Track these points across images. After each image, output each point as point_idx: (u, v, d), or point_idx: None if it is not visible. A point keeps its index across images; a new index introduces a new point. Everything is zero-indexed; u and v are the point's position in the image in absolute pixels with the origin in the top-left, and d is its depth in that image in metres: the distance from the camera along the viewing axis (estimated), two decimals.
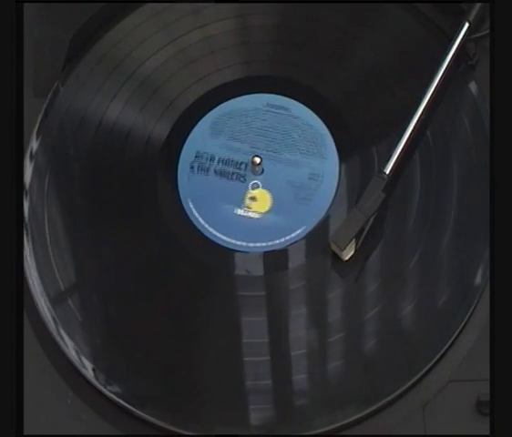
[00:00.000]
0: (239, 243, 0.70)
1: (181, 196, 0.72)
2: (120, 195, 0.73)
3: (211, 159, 0.73)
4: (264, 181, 0.73)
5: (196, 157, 0.74)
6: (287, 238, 0.70)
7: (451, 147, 0.72)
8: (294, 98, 0.75)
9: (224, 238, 0.70)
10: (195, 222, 0.71)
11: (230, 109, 0.76)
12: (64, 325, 0.67)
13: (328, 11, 0.78)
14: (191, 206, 0.72)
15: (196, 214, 0.71)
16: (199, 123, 0.75)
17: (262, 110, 0.75)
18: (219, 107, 0.76)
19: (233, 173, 0.73)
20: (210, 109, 0.76)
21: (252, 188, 0.72)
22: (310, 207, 0.71)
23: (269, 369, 0.65)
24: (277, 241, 0.70)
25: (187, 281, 0.69)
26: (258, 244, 0.70)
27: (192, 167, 0.73)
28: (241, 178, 0.73)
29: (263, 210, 0.72)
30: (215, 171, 0.73)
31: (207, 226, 0.71)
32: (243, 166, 0.73)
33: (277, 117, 0.75)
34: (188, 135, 0.75)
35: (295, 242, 0.70)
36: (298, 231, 0.70)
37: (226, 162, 0.73)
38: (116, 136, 0.75)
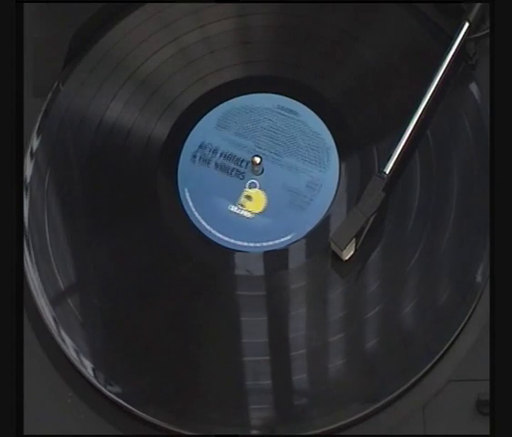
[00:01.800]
0: (239, 243, 0.70)
1: (181, 193, 0.72)
2: (120, 195, 0.73)
3: (214, 152, 0.73)
4: (262, 182, 0.73)
5: (200, 147, 0.74)
6: (276, 241, 0.70)
7: (451, 147, 0.72)
8: (294, 98, 0.75)
9: (224, 237, 0.70)
10: (195, 222, 0.71)
11: (240, 105, 0.76)
12: (64, 325, 0.67)
13: (328, 11, 0.78)
14: (190, 204, 0.72)
15: (196, 214, 0.71)
16: (208, 115, 0.75)
17: (272, 111, 0.75)
18: (229, 102, 0.76)
19: (233, 169, 0.73)
20: (210, 109, 0.76)
21: (249, 187, 0.72)
22: (302, 215, 0.71)
23: (269, 369, 0.65)
24: (276, 241, 0.70)
25: (187, 281, 0.69)
26: (258, 244, 0.70)
27: (194, 157, 0.73)
28: (240, 176, 0.73)
29: (256, 211, 0.72)
30: (216, 164, 0.73)
31: (207, 226, 0.71)
32: (244, 163, 0.73)
33: (285, 121, 0.75)
34: (188, 135, 0.75)
35: (295, 242, 0.70)
36: (287, 237, 0.70)
37: (228, 157, 0.73)
38: (116, 135, 0.75)
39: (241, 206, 0.72)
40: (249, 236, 0.70)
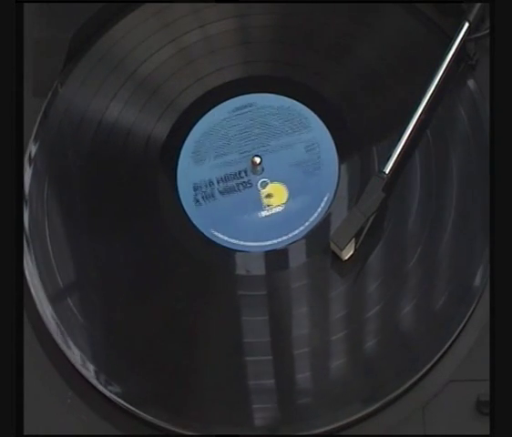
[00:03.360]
0: (239, 243, 0.70)
1: (181, 196, 0.72)
2: (120, 195, 0.73)
3: (211, 184, 0.73)
4: (270, 175, 0.73)
5: (195, 189, 0.73)
6: (315, 215, 0.70)
7: (451, 146, 0.72)
8: (294, 98, 0.75)
9: (224, 237, 0.70)
10: (195, 222, 0.71)
11: (202, 132, 0.75)
12: (64, 325, 0.67)
13: (328, 11, 0.78)
14: (216, 232, 0.71)
15: (196, 214, 0.71)
16: (180, 158, 0.74)
17: (231, 117, 0.75)
18: (190, 135, 0.75)
19: (238, 184, 0.73)
20: (210, 109, 0.76)
21: (263, 187, 0.72)
22: (322, 174, 0.72)
23: (269, 368, 0.65)
24: (279, 240, 0.70)
25: (187, 281, 0.69)
26: (258, 244, 0.70)
27: (197, 200, 0.72)
28: (248, 184, 0.73)
29: (284, 200, 0.72)
30: (220, 192, 0.73)
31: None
32: (243, 173, 0.73)
33: (247, 116, 0.75)
34: (187, 135, 0.75)
35: (295, 242, 0.70)
36: (325, 199, 0.71)
37: (226, 178, 0.73)
38: (115, 135, 0.75)
39: (269, 206, 0.71)
40: (255, 234, 0.71)
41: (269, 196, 0.72)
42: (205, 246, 0.70)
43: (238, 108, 0.76)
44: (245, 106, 0.76)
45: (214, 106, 0.76)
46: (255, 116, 0.75)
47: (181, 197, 0.72)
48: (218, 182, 0.73)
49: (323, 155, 0.73)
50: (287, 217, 0.71)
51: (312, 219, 0.71)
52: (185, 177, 0.73)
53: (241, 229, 0.71)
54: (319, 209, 0.71)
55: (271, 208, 0.71)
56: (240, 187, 0.73)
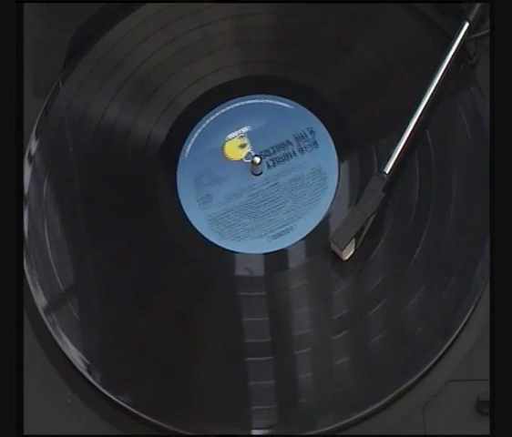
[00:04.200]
0: (239, 243, 0.70)
1: (180, 196, 0.72)
2: (119, 195, 0.73)
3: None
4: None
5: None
6: (315, 215, 0.70)
7: (451, 146, 0.72)
8: (294, 99, 0.75)
9: (224, 238, 0.70)
10: (194, 223, 0.71)
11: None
12: (64, 325, 0.67)
13: (328, 11, 0.78)
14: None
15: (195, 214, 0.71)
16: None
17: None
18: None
19: None
20: (210, 109, 0.76)
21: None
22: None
23: (269, 369, 0.65)
24: (279, 240, 0.70)
25: (187, 282, 0.69)
26: (258, 244, 0.70)
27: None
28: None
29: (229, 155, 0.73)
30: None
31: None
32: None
33: None
34: (187, 135, 0.75)
35: (295, 242, 0.70)
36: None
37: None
38: (115, 135, 0.75)
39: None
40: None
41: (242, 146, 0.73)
42: (204, 246, 0.70)
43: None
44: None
45: (214, 106, 0.76)
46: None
47: (181, 197, 0.72)
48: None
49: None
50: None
51: (311, 219, 0.71)
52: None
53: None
54: (319, 209, 0.71)
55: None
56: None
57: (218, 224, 0.71)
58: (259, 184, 0.72)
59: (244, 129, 0.74)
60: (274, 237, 0.70)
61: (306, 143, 0.74)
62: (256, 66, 0.78)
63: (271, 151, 0.74)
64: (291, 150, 0.74)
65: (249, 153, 0.73)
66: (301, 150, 0.74)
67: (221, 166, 0.74)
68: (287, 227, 0.70)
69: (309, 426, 0.63)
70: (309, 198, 0.71)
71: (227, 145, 0.74)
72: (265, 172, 0.73)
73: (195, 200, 0.72)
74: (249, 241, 0.70)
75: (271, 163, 0.73)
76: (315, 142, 0.74)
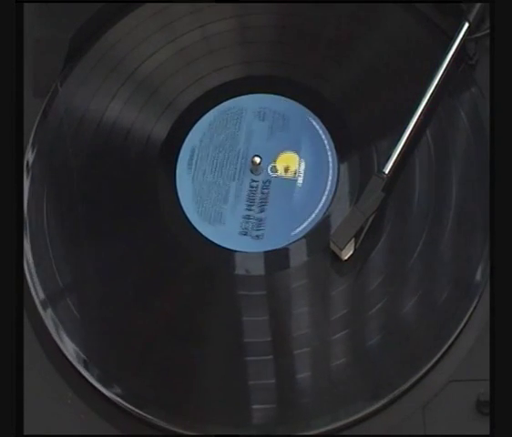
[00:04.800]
0: (239, 243, 0.70)
1: (180, 196, 0.72)
2: (119, 195, 0.73)
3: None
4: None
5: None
6: (315, 215, 0.71)
7: (450, 146, 0.72)
8: (294, 98, 0.75)
9: (224, 237, 0.70)
10: (194, 222, 0.71)
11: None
12: (64, 325, 0.67)
13: (328, 11, 0.78)
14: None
15: (195, 214, 0.71)
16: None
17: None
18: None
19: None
20: (210, 109, 0.76)
21: (275, 171, 0.73)
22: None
23: (269, 368, 0.65)
24: (279, 240, 0.70)
25: (187, 281, 0.69)
26: (258, 244, 0.70)
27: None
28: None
29: (297, 165, 0.73)
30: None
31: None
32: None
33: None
34: (187, 135, 0.75)
35: (295, 241, 0.70)
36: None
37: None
38: (115, 136, 0.75)
39: (292, 175, 0.72)
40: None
41: (287, 169, 0.72)
42: (205, 246, 0.70)
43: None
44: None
45: (214, 106, 0.76)
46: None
47: (181, 197, 0.72)
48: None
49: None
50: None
51: (311, 219, 0.71)
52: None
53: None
54: (318, 209, 0.71)
55: (295, 176, 0.72)
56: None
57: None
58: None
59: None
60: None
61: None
62: (256, 65, 0.78)
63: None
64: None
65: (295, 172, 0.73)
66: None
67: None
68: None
69: (309, 426, 0.63)
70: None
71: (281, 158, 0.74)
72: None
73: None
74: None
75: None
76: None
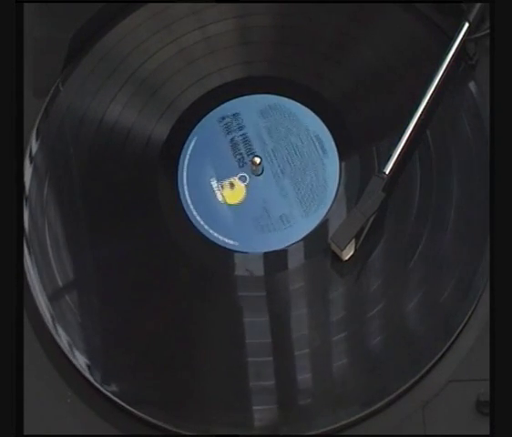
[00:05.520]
0: (239, 243, 0.70)
1: (181, 196, 0.72)
2: (120, 195, 0.73)
3: (240, 128, 0.74)
4: (252, 183, 0.72)
5: (233, 116, 0.75)
6: (315, 215, 0.70)
7: (451, 146, 0.72)
8: (294, 98, 0.75)
9: (224, 238, 0.70)
10: (195, 223, 0.71)
11: (287, 108, 0.75)
12: (64, 325, 0.67)
13: (328, 11, 0.78)
14: (191, 205, 0.72)
15: (196, 214, 0.71)
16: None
17: (309, 135, 0.74)
18: (281, 98, 0.75)
19: (240, 154, 0.73)
20: (211, 110, 0.76)
21: (239, 178, 0.72)
22: (257, 235, 0.70)
23: (269, 369, 0.65)
24: (279, 240, 0.70)
25: (187, 281, 0.69)
26: (258, 244, 0.70)
27: (223, 119, 0.74)
28: (241, 163, 0.73)
29: (228, 201, 0.72)
30: (232, 140, 0.73)
31: (207, 227, 0.71)
32: (251, 156, 0.73)
33: (311, 151, 0.73)
34: (188, 135, 0.75)
35: (295, 242, 0.70)
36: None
37: (245, 141, 0.74)
38: (116, 136, 0.75)
39: (221, 187, 0.72)
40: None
41: (231, 185, 0.72)
42: (205, 246, 0.70)
43: (319, 139, 0.74)
44: (323, 148, 0.73)
45: (214, 106, 0.76)
46: (311, 159, 0.73)
47: (181, 197, 0.72)
48: (242, 135, 0.74)
49: (281, 233, 0.71)
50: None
51: (311, 219, 0.70)
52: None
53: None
54: (319, 209, 0.71)
55: (219, 190, 0.72)
56: (238, 157, 0.73)
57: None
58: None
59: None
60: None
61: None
62: (256, 66, 0.78)
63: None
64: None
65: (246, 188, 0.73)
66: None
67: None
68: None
69: (309, 426, 0.63)
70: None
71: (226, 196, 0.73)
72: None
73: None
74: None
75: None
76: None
